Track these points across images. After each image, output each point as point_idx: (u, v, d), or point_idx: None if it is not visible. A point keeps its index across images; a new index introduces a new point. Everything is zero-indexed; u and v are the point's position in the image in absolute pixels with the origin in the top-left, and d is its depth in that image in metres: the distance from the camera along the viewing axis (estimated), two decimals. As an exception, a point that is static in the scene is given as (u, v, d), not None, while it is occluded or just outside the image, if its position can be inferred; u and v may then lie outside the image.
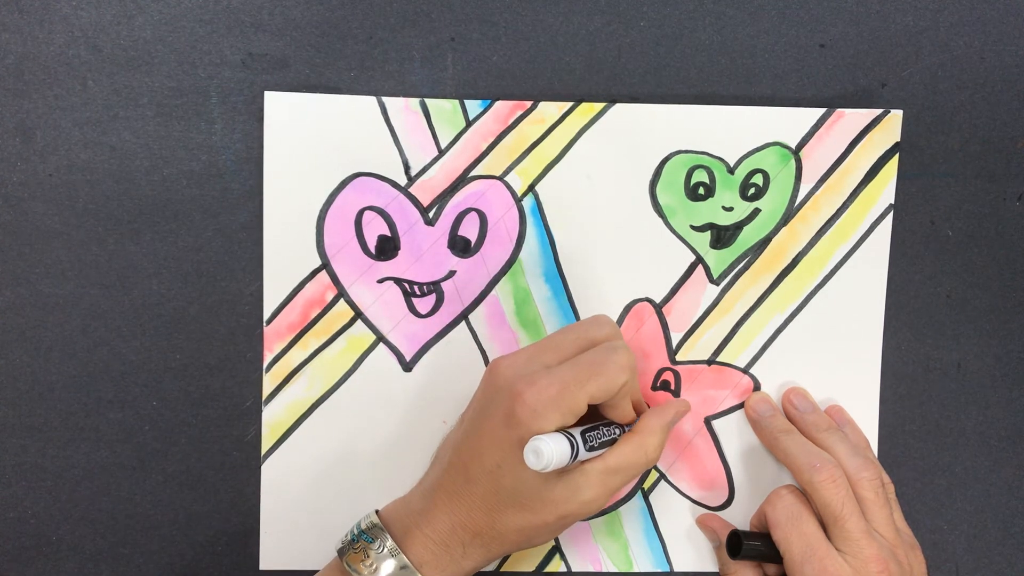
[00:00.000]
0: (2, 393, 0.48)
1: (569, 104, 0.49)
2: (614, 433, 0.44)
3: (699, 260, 0.50)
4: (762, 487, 0.50)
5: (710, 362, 0.50)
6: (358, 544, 0.42)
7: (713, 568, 0.50)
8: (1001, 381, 0.51)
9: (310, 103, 0.48)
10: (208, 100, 0.48)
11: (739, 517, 0.50)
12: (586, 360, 0.42)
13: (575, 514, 0.42)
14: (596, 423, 0.44)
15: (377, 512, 0.44)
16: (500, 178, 0.49)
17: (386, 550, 0.42)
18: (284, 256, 0.49)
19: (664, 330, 0.50)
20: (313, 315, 0.49)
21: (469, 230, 0.49)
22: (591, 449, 0.42)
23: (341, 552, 0.43)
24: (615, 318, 0.50)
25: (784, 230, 0.50)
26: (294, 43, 0.48)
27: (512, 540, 0.42)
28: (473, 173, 0.49)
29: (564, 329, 0.44)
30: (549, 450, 0.39)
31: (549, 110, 0.49)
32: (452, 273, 0.49)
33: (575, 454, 0.41)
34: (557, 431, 0.41)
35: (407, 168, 0.49)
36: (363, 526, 0.43)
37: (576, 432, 0.41)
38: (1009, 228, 0.51)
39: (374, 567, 0.41)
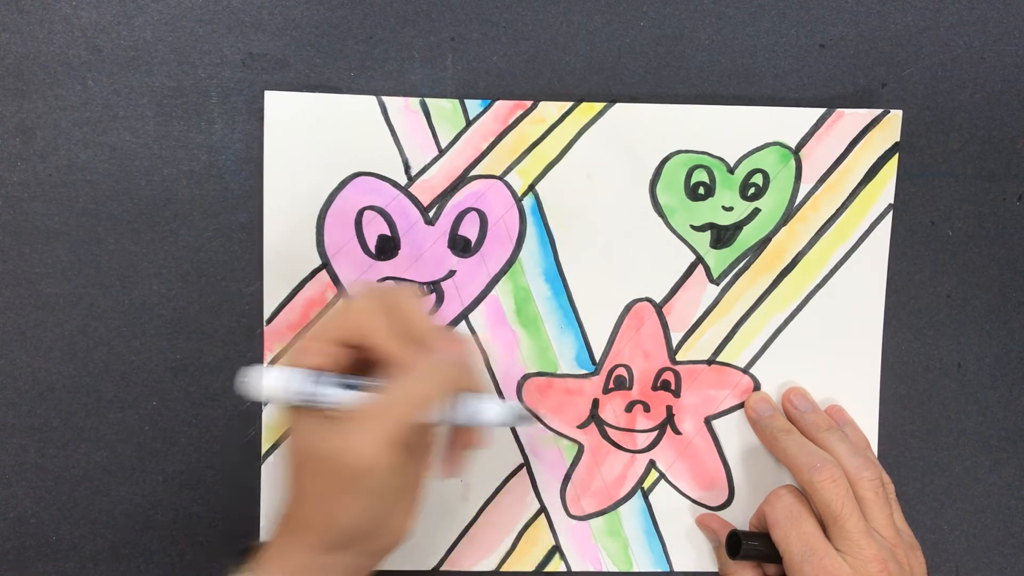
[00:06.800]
0: (2, 393, 0.48)
1: (569, 104, 0.49)
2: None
3: (699, 260, 0.50)
4: (762, 487, 0.50)
5: (710, 362, 0.50)
6: None
7: (713, 568, 0.50)
8: (1001, 381, 0.51)
9: (310, 103, 0.48)
10: (208, 100, 0.48)
11: (739, 517, 0.50)
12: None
13: (354, 471, 0.36)
14: None
15: None
16: (500, 178, 0.49)
17: None
18: (284, 256, 0.49)
19: (664, 330, 0.50)
20: (313, 315, 0.49)
21: (469, 230, 0.49)
22: (352, 388, 0.37)
23: None
24: (615, 318, 0.50)
25: (784, 230, 0.50)
26: (294, 43, 0.48)
27: (340, 524, 0.37)
28: (473, 173, 0.49)
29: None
30: (269, 372, 0.35)
31: (549, 110, 0.49)
32: (452, 273, 0.49)
33: (316, 380, 0.36)
34: None
35: (407, 168, 0.49)
36: None
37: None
38: (1009, 228, 0.51)
39: None
